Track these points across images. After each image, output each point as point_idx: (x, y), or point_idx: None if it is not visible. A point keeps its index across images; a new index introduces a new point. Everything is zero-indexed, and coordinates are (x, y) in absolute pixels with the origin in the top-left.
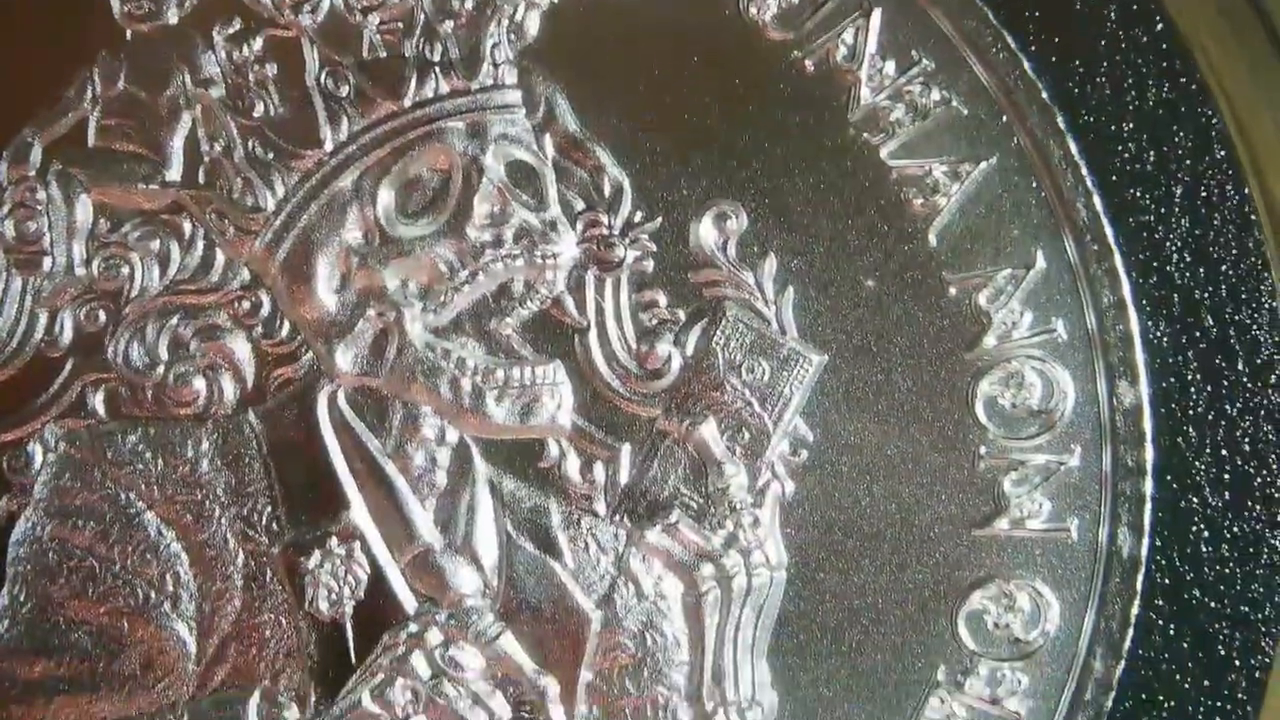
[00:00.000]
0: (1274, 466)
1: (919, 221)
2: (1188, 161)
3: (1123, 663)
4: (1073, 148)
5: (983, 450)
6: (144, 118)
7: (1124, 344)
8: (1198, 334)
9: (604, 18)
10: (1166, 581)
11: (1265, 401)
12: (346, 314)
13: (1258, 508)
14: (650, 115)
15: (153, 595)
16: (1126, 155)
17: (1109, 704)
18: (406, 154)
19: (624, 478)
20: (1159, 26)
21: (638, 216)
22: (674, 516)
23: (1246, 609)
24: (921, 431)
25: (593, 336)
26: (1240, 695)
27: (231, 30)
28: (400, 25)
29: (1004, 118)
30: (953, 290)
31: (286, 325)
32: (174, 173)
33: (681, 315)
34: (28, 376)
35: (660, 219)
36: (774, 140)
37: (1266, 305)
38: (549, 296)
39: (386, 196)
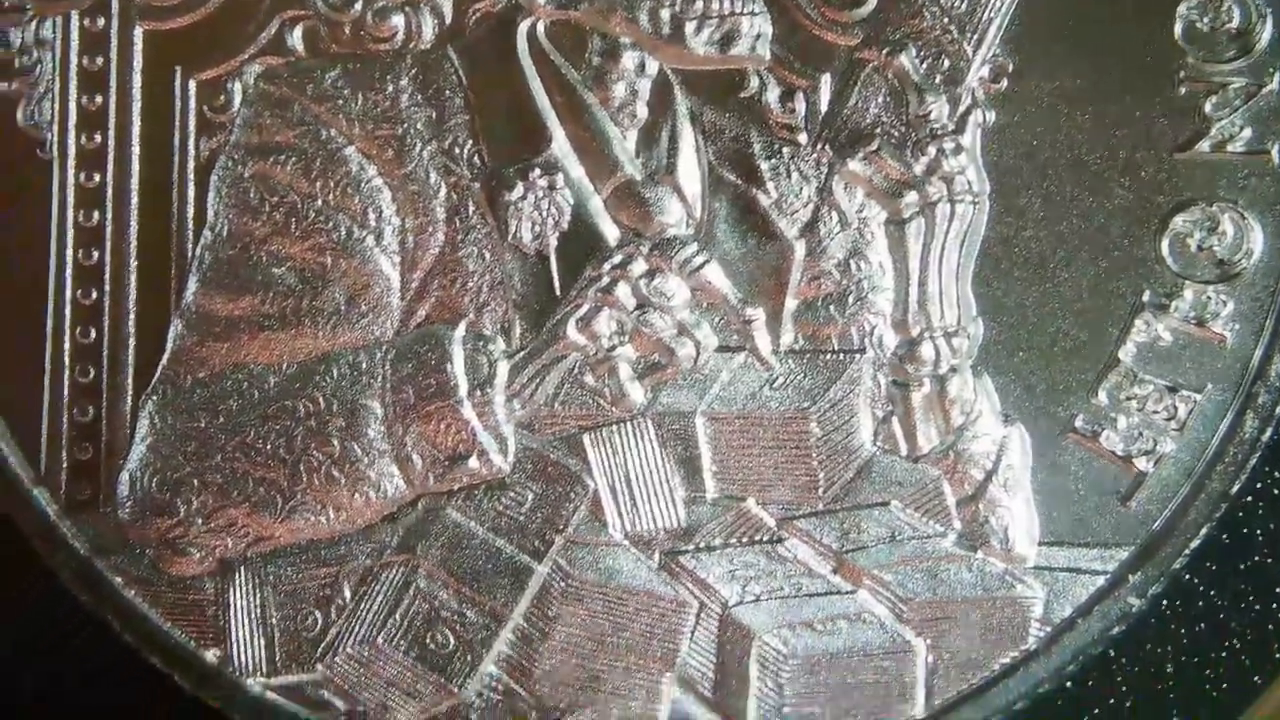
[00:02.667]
0: None
1: None
2: None
3: None
4: None
5: (1182, 74)
6: None
7: None
8: None
9: None
10: None
11: None
12: None
13: None
14: None
15: (355, 230)
16: None
17: None
18: None
19: (824, 107)
20: None
21: None
22: (875, 144)
23: None
24: (1120, 57)
25: None
26: None
27: None
28: None
29: None
30: None
31: None
32: None
33: None
34: (225, 16)
35: None
36: None
37: None
38: None
39: None
